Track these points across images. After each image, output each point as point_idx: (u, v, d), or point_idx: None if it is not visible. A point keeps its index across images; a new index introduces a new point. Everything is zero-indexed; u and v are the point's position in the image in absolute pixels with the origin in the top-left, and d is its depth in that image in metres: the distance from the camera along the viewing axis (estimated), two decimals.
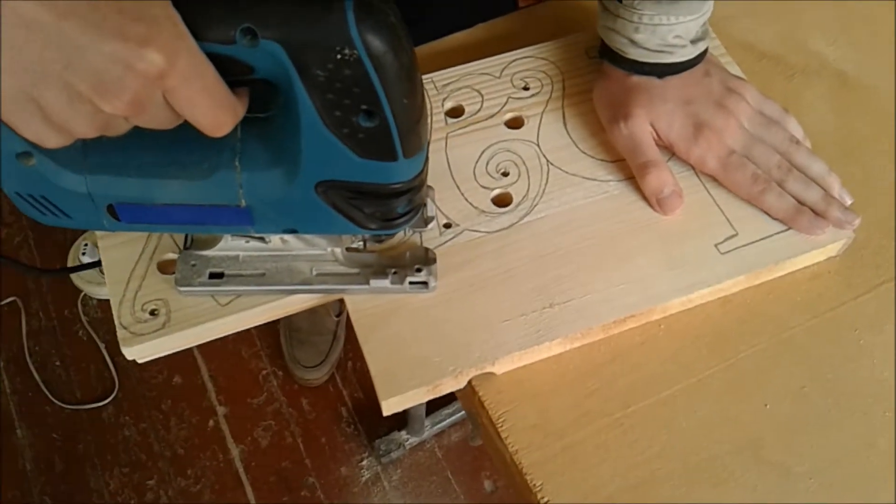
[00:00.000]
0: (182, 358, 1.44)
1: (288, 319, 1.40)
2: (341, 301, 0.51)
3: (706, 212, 0.55)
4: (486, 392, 0.50)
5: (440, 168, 0.56)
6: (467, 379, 0.49)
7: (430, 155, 0.55)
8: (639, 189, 0.55)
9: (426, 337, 0.49)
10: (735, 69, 0.60)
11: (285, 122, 0.39)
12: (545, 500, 0.47)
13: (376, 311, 0.50)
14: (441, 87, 0.60)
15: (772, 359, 0.52)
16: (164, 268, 0.51)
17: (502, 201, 0.55)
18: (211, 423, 1.38)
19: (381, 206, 0.44)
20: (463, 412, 1.35)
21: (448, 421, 1.34)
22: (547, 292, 0.51)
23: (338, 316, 1.42)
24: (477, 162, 0.56)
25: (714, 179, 0.56)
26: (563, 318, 0.50)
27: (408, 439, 1.32)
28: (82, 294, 1.48)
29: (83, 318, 1.47)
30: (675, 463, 0.48)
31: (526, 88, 0.60)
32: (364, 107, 0.38)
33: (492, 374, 0.50)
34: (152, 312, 0.49)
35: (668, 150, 0.56)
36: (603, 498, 0.47)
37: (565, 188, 0.55)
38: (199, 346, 1.44)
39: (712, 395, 0.50)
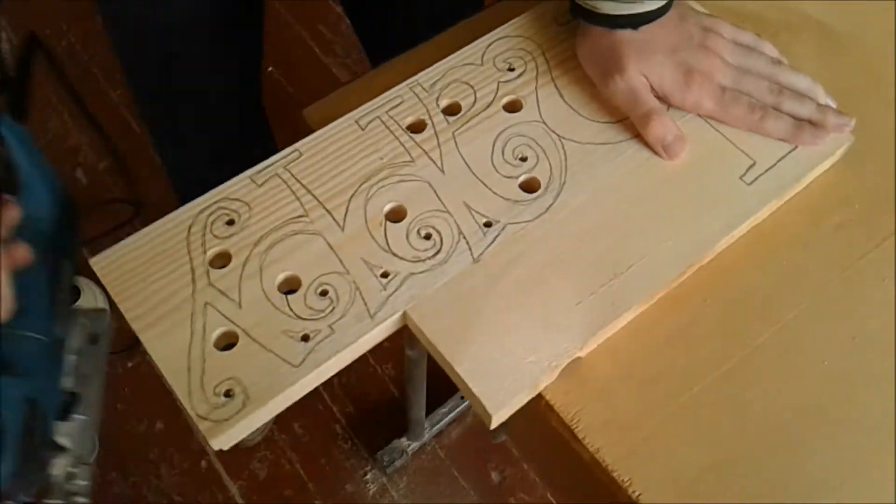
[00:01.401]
0: (159, 402, 1.39)
1: None
2: None
3: (721, 149, 0.56)
4: (553, 395, 0.49)
5: (459, 169, 0.55)
6: (560, 370, 0.48)
7: (444, 158, 0.55)
8: None
9: (510, 342, 0.49)
10: (699, 7, 0.61)
11: None
12: (637, 493, 0.46)
13: (454, 328, 0.49)
14: (430, 88, 0.59)
15: (817, 316, 0.52)
16: (222, 343, 0.48)
17: (531, 187, 0.54)
18: (203, 463, 1.34)
19: None
20: (458, 408, 1.34)
21: (445, 420, 1.33)
22: (606, 265, 0.51)
23: None
24: (492, 153, 0.56)
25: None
26: (631, 286, 0.51)
27: (409, 445, 1.31)
28: None
29: None
30: (749, 436, 0.48)
31: (511, 69, 0.60)
32: None
33: (578, 358, 0.49)
34: (227, 394, 0.46)
35: (664, 101, 0.57)
36: (689, 482, 0.47)
37: (585, 159, 0.56)
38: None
39: (770, 362, 0.51)
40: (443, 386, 1.33)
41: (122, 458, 1.34)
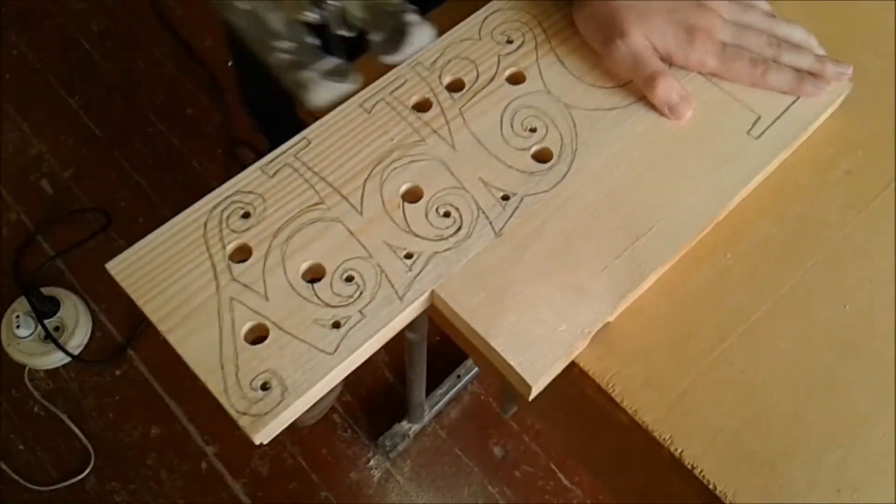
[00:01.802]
0: (152, 407, 1.37)
1: None
2: None
3: (725, 106, 0.57)
4: (586, 362, 0.49)
5: (470, 144, 0.54)
6: (592, 335, 0.49)
7: (454, 135, 0.54)
8: None
9: (541, 312, 0.49)
10: None
11: None
12: (679, 450, 0.47)
13: (484, 304, 0.49)
14: (430, 66, 0.58)
15: (836, 261, 0.53)
16: (252, 337, 0.47)
17: (543, 157, 0.54)
18: (204, 465, 1.33)
19: None
20: (455, 388, 1.34)
21: (444, 400, 1.33)
22: (628, 229, 0.51)
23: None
24: (501, 127, 0.55)
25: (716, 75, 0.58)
26: (655, 247, 0.51)
27: (410, 428, 1.31)
28: (27, 369, 1.38)
29: (35, 394, 1.37)
30: (786, 383, 0.49)
31: (510, 41, 0.59)
32: None
33: (608, 323, 0.50)
34: (264, 387, 0.45)
35: (666, 61, 0.57)
36: (730, 434, 0.47)
37: (594, 125, 0.56)
38: (167, 392, 1.38)
39: (796, 309, 0.51)
40: (439, 367, 1.34)
41: (121, 467, 1.32)
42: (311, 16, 0.43)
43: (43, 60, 1.72)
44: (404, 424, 1.31)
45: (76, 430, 1.34)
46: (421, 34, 0.45)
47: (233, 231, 0.50)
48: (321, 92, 0.44)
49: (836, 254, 0.53)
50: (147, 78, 1.69)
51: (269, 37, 0.47)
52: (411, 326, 0.95)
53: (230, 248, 0.50)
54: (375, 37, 0.46)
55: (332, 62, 0.46)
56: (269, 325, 0.47)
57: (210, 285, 0.48)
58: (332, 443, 1.34)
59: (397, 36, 0.46)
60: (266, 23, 0.47)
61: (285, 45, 0.46)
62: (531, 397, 0.48)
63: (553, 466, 1.33)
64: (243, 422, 0.45)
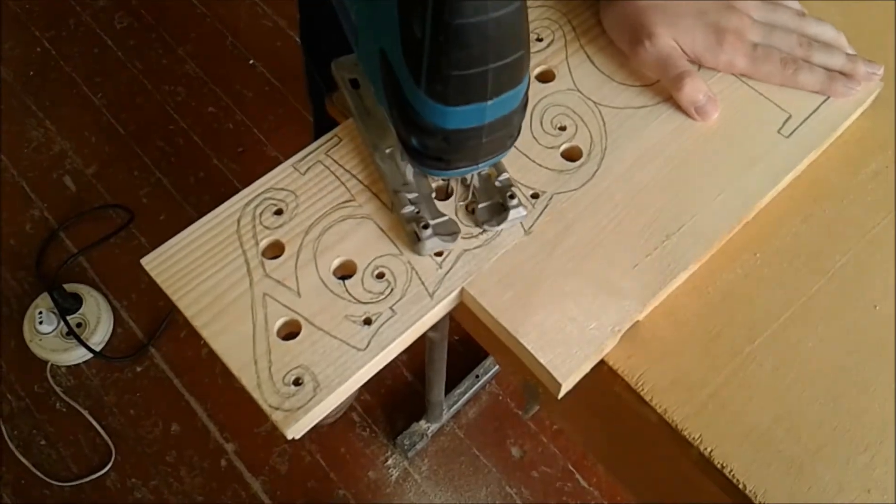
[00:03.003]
0: (172, 404, 1.38)
1: None
2: None
3: (756, 104, 0.57)
4: (615, 360, 0.49)
5: None
6: (622, 334, 0.49)
7: None
8: None
9: (570, 310, 0.49)
10: None
11: None
12: (709, 450, 0.47)
13: (513, 301, 0.49)
14: None
15: (866, 261, 0.53)
16: (284, 332, 0.48)
17: (573, 155, 0.55)
18: (223, 462, 1.33)
19: (401, 118, 0.43)
20: (474, 388, 1.35)
21: (462, 400, 1.33)
22: (658, 227, 0.52)
23: None
24: (531, 125, 0.56)
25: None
26: (685, 245, 0.51)
27: (428, 427, 1.31)
28: (49, 365, 1.40)
29: (57, 390, 1.39)
30: (815, 383, 0.49)
31: (539, 40, 0.59)
32: (419, 11, 0.36)
33: (637, 322, 0.50)
34: (296, 382, 0.46)
35: (695, 63, 0.58)
36: (759, 433, 0.47)
37: (624, 123, 0.56)
38: (188, 389, 1.39)
39: (826, 309, 0.51)
40: (457, 367, 1.34)
41: (141, 463, 1.33)
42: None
43: (67, 58, 1.73)
44: (422, 424, 1.31)
45: (97, 426, 1.36)
46: (516, 213, 0.50)
47: (266, 227, 0.51)
48: (430, 247, 0.49)
49: (866, 254, 0.53)
50: (169, 76, 1.70)
51: (401, 184, 0.51)
52: (433, 325, 0.96)
53: (263, 244, 0.50)
54: (481, 203, 0.51)
55: (444, 221, 0.50)
56: (301, 321, 0.48)
57: (243, 281, 0.49)
58: (350, 441, 1.35)
59: (498, 209, 0.51)
60: (400, 168, 0.51)
61: (412, 195, 0.50)
62: (560, 395, 0.49)
63: (571, 467, 1.33)
64: (276, 417, 0.45)
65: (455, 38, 0.36)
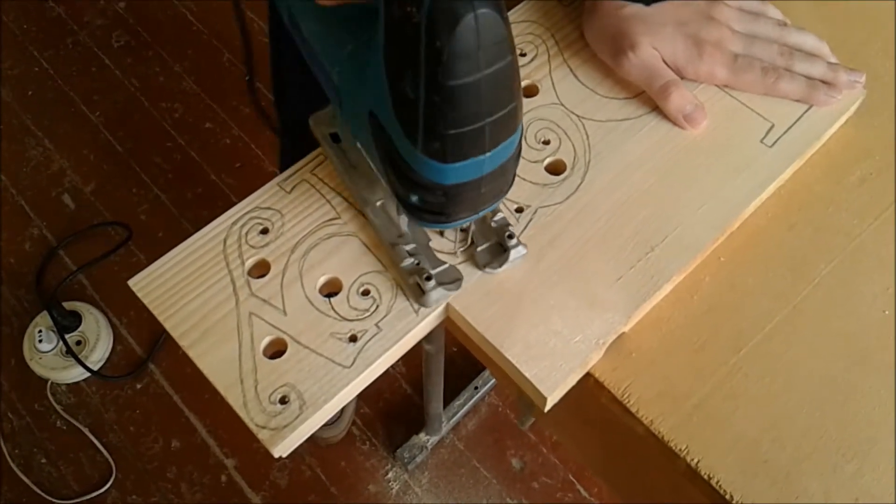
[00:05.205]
0: (172, 420, 1.38)
1: None
2: None
3: (738, 114, 0.57)
4: (601, 372, 0.50)
5: None
6: (607, 346, 0.49)
7: None
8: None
9: (555, 324, 0.49)
10: None
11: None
12: (696, 461, 0.47)
13: (498, 315, 0.49)
14: None
15: (851, 268, 0.53)
16: (271, 351, 0.48)
17: (557, 169, 0.55)
18: (223, 478, 1.34)
19: (397, 177, 0.43)
20: (473, 400, 1.35)
21: (461, 412, 1.33)
22: (641, 239, 0.52)
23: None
24: None
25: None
26: (669, 257, 0.51)
27: (428, 440, 1.31)
28: (49, 383, 1.40)
29: (57, 408, 1.39)
30: (801, 392, 0.49)
31: (523, 55, 0.60)
32: (411, 73, 0.36)
33: (622, 333, 0.50)
34: (282, 401, 0.46)
35: (677, 73, 0.58)
36: (748, 443, 0.47)
37: (607, 136, 0.56)
38: (187, 405, 1.39)
39: (812, 317, 0.51)
40: (456, 378, 1.34)
41: (141, 480, 1.34)
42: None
43: (65, 77, 1.74)
44: (422, 436, 1.31)
45: (97, 443, 1.36)
46: (516, 252, 0.50)
47: (252, 247, 0.51)
48: (435, 298, 0.49)
49: (851, 262, 0.53)
50: (166, 93, 1.71)
51: (395, 236, 0.50)
52: (428, 338, 0.96)
53: (249, 263, 0.50)
54: (480, 245, 0.51)
55: (446, 269, 0.50)
56: (287, 339, 0.48)
57: (230, 301, 0.49)
58: (350, 455, 1.35)
59: (497, 249, 0.51)
60: (394, 221, 0.51)
61: (410, 246, 0.50)
62: (547, 409, 0.49)
63: (572, 478, 1.33)
64: (262, 435, 0.45)
65: (450, 99, 0.36)
